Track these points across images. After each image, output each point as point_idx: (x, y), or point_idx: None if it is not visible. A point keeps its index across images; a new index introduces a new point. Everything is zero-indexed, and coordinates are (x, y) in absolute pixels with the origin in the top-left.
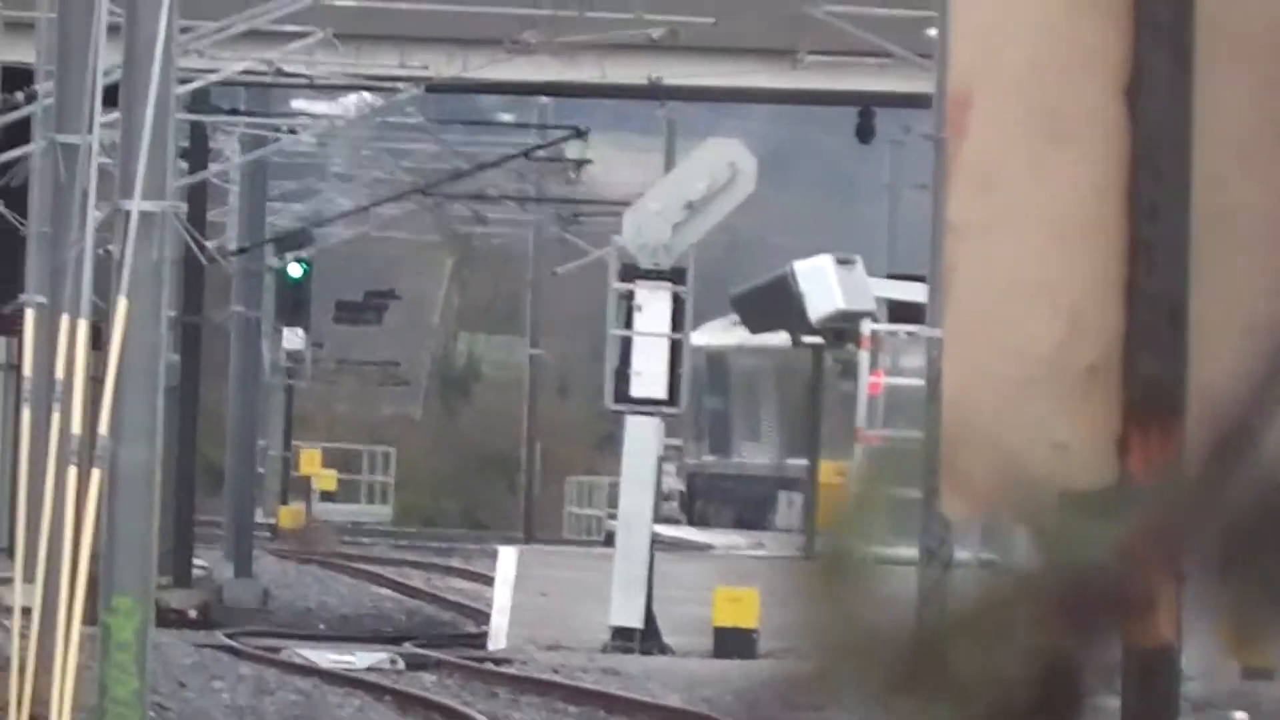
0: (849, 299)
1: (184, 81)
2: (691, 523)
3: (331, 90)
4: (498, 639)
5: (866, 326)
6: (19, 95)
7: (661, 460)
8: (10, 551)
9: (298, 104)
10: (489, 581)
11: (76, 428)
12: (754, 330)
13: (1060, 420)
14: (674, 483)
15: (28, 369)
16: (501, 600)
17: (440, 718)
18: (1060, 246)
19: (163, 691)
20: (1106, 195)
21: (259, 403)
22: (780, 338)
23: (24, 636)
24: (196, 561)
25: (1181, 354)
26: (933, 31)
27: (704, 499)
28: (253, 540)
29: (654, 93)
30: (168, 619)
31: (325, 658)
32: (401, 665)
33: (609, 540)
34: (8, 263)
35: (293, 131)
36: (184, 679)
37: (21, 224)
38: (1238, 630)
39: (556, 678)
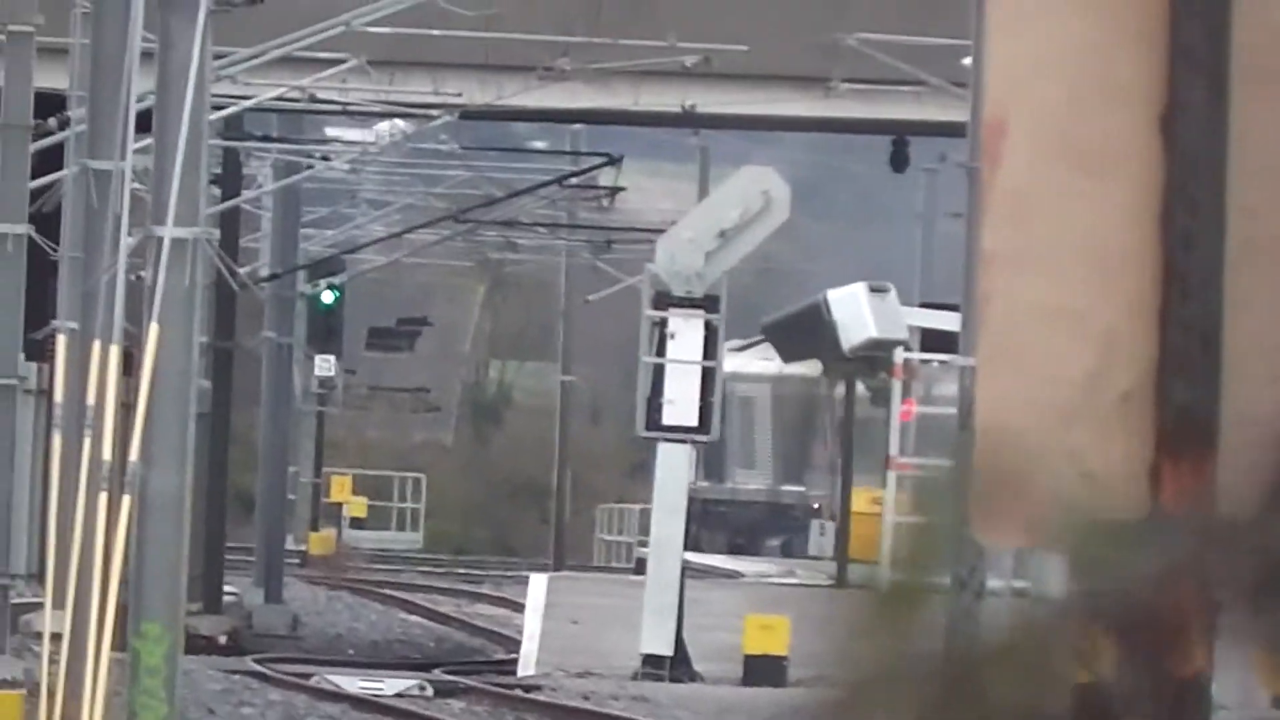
0: (882, 327)
1: (217, 108)
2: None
3: (365, 117)
4: (527, 666)
5: (899, 355)
6: (52, 121)
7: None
8: (41, 577)
9: (331, 130)
10: (519, 608)
11: (107, 453)
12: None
13: (1093, 449)
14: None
15: (59, 394)
16: (531, 627)
17: None
18: (1094, 275)
19: (192, 717)
20: (1140, 224)
21: (290, 429)
22: (774, 365)
23: (54, 662)
24: (226, 587)
25: (1215, 383)
26: (967, 60)
27: (697, 524)
28: (283, 566)
29: (687, 120)
30: (197, 645)
31: (355, 684)
32: (431, 692)
33: (639, 567)
34: (40, 288)
35: (326, 158)
36: (213, 705)
37: (53, 249)
38: (1270, 659)
39: (586, 705)
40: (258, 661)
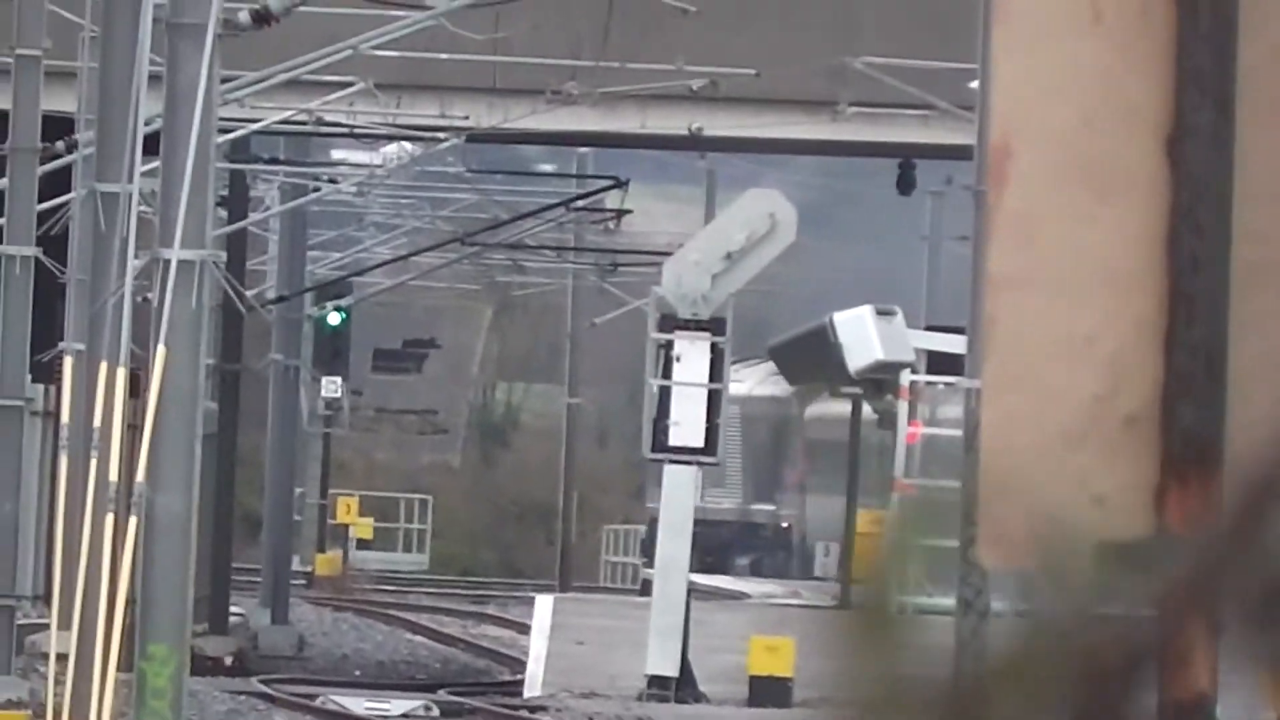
0: (888, 350)
1: (224, 130)
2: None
3: (371, 140)
4: (533, 687)
5: (905, 377)
6: (60, 144)
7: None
8: (47, 598)
9: (338, 153)
10: (525, 629)
11: (114, 475)
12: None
13: (1098, 471)
14: None
15: (66, 416)
16: (537, 648)
17: None
18: (1100, 298)
19: None
20: (1147, 247)
21: (297, 451)
22: (745, 385)
23: (60, 683)
24: (233, 608)
25: (1220, 406)
26: (974, 84)
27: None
28: (289, 587)
29: (694, 143)
30: (203, 666)
31: (361, 705)
32: (437, 713)
33: (645, 589)
34: (47, 310)
35: (333, 181)
36: None
37: (61, 272)
38: (1274, 680)
39: None
40: (264, 682)
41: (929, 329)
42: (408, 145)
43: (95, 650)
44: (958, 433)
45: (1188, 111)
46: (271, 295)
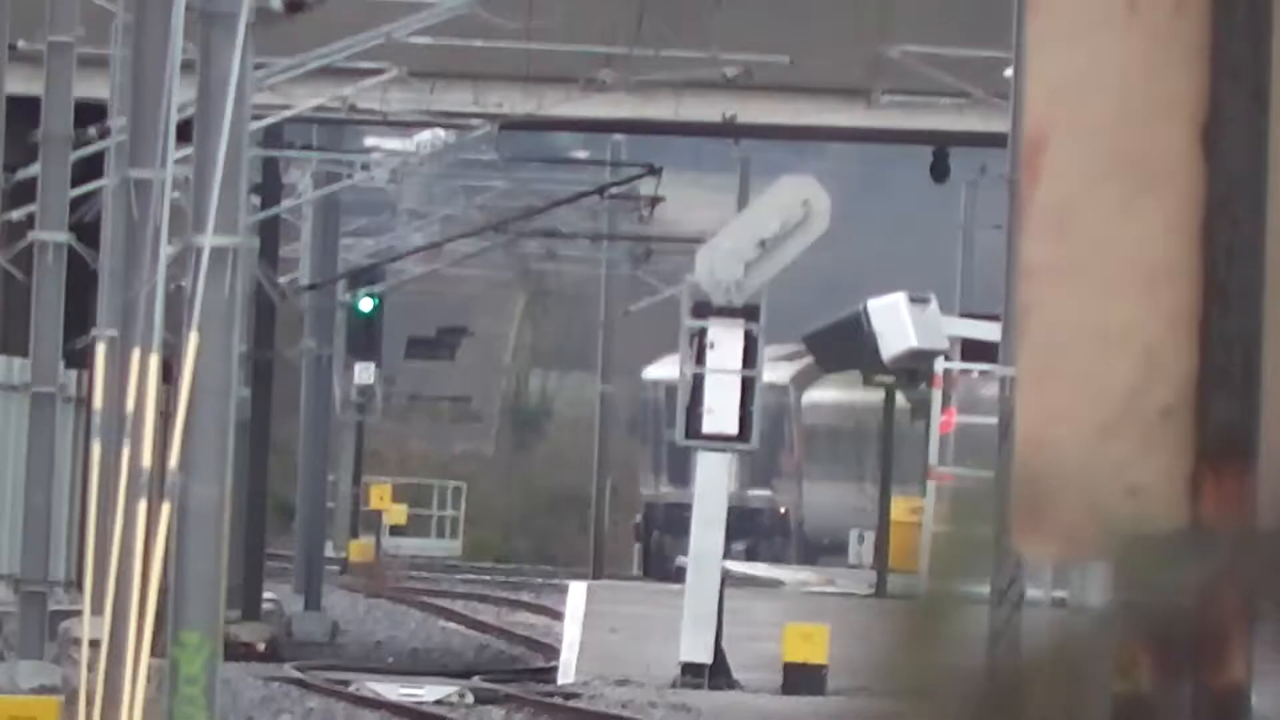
0: (922, 337)
1: (257, 117)
2: (646, 553)
3: (405, 127)
4: (567, 673)
5: (940, 365)
6: (92, 131)
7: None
8: (79, 583)
9: (371, 140)
10: (558, 616)
11: (146, 461)
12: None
13: (1134, 461)
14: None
15: (98, 402)
16: (571, 635)
17: None
18: (1135, 289)
19: None
20: (1182, 238)
21: (330, 438)
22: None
23: (92, 669)
24: (266, 595)
25: (1255, 398)
26: (1008, 72)
27: (660, 529)
28: (322, 574)
29: (728, 131)
30: (236, 652)
31: (394, 691)
32: (471, 699)
33: (678, 576)
34: (79, 297)
35: (365, 168)
36: (252, 713)
37: (93, 258)
38: None
39: (625, 713)
40: (297, 669)
41: (964, 316)
42: (441, 132)
43: (128, 636)
44: (992, 421)
45: (1223, 103)
46: (304, 282)
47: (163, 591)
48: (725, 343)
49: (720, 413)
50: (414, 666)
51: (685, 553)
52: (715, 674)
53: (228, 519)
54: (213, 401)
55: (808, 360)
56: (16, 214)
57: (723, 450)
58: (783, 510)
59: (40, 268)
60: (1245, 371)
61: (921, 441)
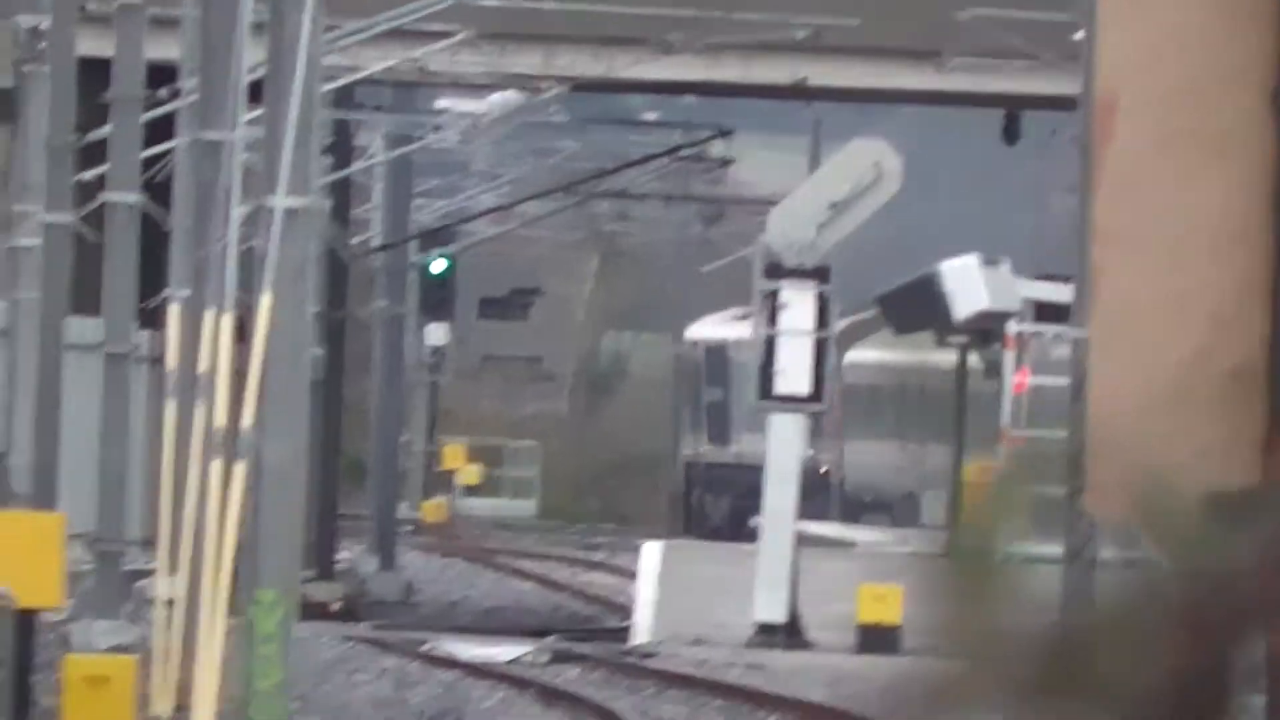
0: (995, 299)
1: (328, 79)
2: (687, 512)
3: (476, 89)
4: (642, 633)
5: (1012, 326)
6: (163, 92)
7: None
8: (155, 543)
9: (442, 102)
10: (632, 576)
11: (220, 421)
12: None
13: (1203, 424)
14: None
15: (171, 362)
16: (645, 595)
17: (584, 711)
18: (1204, 253)
19: (305, 684)
20: (1251, 203)
21: (403, 398)
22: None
23: (168, 628)
24: (340, 555)
25: None
26: (1079, 35)
27: (701, 489)
28: (396, 534)
29: (799, 93)
30: (311, 612)
31: (469, 651)
32: (545, 658)
33: (752, 536)
34: (152, 257)
35: (437, 129)
36: (326, 672)
37: (166, 219)
38: None
39: (700, 672)
40: (372, 629)
41: (1036, 278)
42: (513, 94)
43: (203, 595)
44: (1065, 382)
45: None
46: (376, 243)
47: (238, 550)
48: (797, 304)
49: (792, 374)
50: (488, 626)
51: (724, 512)
52: (790, 634)
53: (302, 478)
54: (286, 361)
55: (849, 320)
56: (88, 175)
57: (795, 411)
58: (823, 469)
59: (112, 228)
60: None
61: (991, 402)
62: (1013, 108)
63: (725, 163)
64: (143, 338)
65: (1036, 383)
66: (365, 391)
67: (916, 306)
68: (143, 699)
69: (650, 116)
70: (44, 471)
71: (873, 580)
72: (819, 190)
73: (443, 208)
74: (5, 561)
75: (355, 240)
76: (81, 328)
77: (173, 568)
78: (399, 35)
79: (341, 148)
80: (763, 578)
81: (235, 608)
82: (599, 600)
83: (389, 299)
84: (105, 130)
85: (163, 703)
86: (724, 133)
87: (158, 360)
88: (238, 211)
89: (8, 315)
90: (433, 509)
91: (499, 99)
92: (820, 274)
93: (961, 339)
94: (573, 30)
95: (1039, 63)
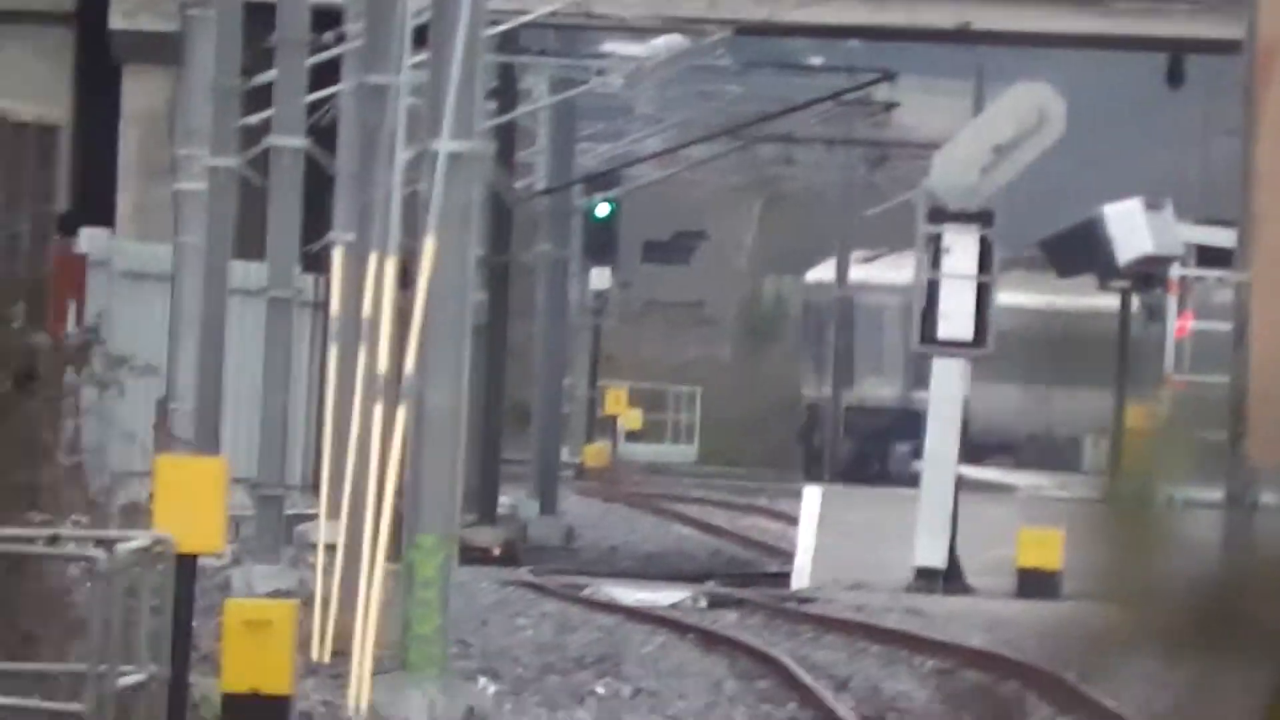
0: (1158, 243)
1: (493, 23)
2: (808, 456)
3: (641, 32)
4: (801, 578)
5: (1175, 270)
6: (328, 36)
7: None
8: (315, 488)
9: (607, 46)
10: (792, 521)
11: (383, 366)
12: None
13: None
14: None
15: (335, 306)
16: (805, 540)
17: (743, 656)
18: None
19: (465, 628)
20: None
21: (566, 342)
22: (904, 274)
23: (328, 572)
24: (501, 499)
25: None
26: None
27: (823, 431)
28: (558, 478)
29: (962, 37)
30: (472, 556)
31: (629, 595)
32: (705, 603)
33: (913, 481)
34: (316, 202)
35: (601, 73)
36: (487, 616)
37: (330, 163)
38: None
39: (859, 617)
40: (532, 572)
41: (1199, 223)
42: (677, 38)
43: (364, 540)
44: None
45: None
46: (540, 187)
47: (399, 495)
48: (960, 248)
49: (955, 318)
50: (648, 571)
51: (847, 453)
52: (949, 578)
53: (464, 422)
54: (449, 305)
55: None
56: (253, 119)
57: (957, 355)
58: None
59: (277, 173)
60: None
61: (1154, 347)
62: (1177, 51)
63: (889, 107)
64: (306, 282)
65: (1199, 327)
66: (528, 336)
67: (1079, 251)
68: (302, 643)
69: (814, 60)
70: (207, 416)
71: (1033, 525)
72: (982, 134)
73: (607, 152)
74: (167, 507)
75: (519, 184)
76: (245, 272)
77: (333, 513)
78: None
79: (506, 92)
80: (923, 522)
81: (395, 553)
82: (758, 545)
83: (553, 243)
84: (270, 74)
85: (322, 647)
86: (888, 76)
87: (321, 305)
88: (402, 156)
89: (172, 259)
90: (594, 454)
91: (663, 43)
92: (983, 218)
93: (1124, 283)
94: None
95: (1203, 6)
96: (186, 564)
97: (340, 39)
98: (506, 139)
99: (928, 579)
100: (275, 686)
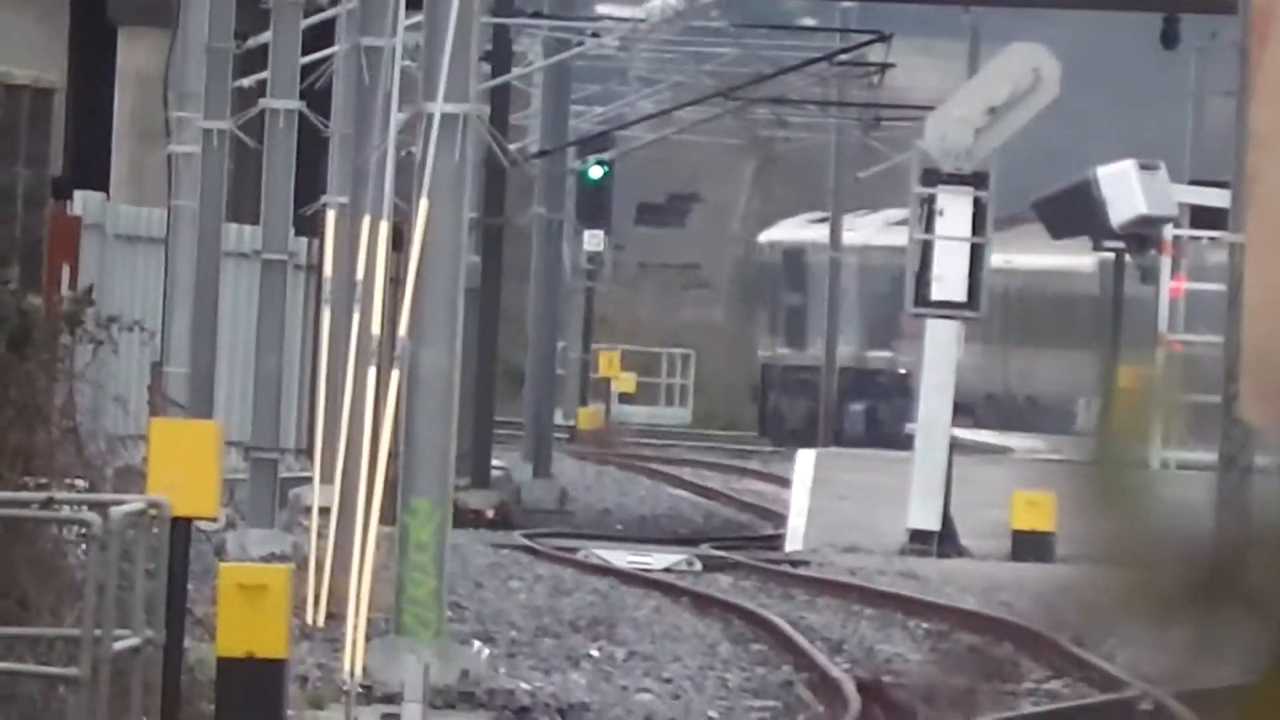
0: (1151, 204)
1: None
2: (763, 415)
3: None
4: (795, 541)
5: (1169, 231)
6: None
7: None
8: (310, 451)
9: (602, 7)
10: (786, 484)
11: (376, 328)
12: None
13: None
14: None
15: (328, 269)
16: (799, 503)
17: (737, 619)
18: None
19: (460, 591)
20: None
21: (559, 305)
22: (861, 235)
23: (322, 536)
24: (495, 462)
25: None
26: None
27: (777, 391)
28: (552, 442)
29: None
30: (466, 520)
31: (622, 558)
32: (699, 566)
33: (907, 444)
34: (310, 164)
35: (596, 35)
36: (481, 579)
37: (324, 125)
38: None
39: (853, 580)
40: (526, 536)
41: (1193, 184)
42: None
43: (358, 504)
44: (1222, 288)
45: None
46: (534, 150)
47: (393, 458)
48: (954, 210)
49: (949, 280)
50: (642, 534)
51: (800, 415)
52: (943, 541)
53: (457, 386)
54: (443, 268)
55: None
56: (247, 81)
57: (951, 317)
58: (903, 371)
59: (271, 135)
60: None
61: (1146, 308)
62: (1171, 11)
63: (883, 68)
64: (300, 245)
65: (1193, 288)
66: (522, 299)
67: (1073, 212)
68: (297, 607)
69: (808, 22)
70: (201, 379)
71: (1026, 487)
72: (977, 95)
73: (601, 114)
74: (161, 470)
75: (514, 146)
76: (239, 235)
77: (328, 476)
78: None
79: (500, 54)
80: (917, 485)
81: (390, 516)
82: (752, 508)
83: (546, 206)
84: (265, 36)
85: (317, 611)
86: (882, 37)
87: (315, 267)
88: (396, 118)
89: (166, 223)
90: (588, 417)
91: (658, 4)
92: (978, 180)
93: (1118, 244)
94: None
95: None
96: (181, 528)
97: (335, 1)
98: (501, 101)
99: (922, 541)
100: (270, 650)
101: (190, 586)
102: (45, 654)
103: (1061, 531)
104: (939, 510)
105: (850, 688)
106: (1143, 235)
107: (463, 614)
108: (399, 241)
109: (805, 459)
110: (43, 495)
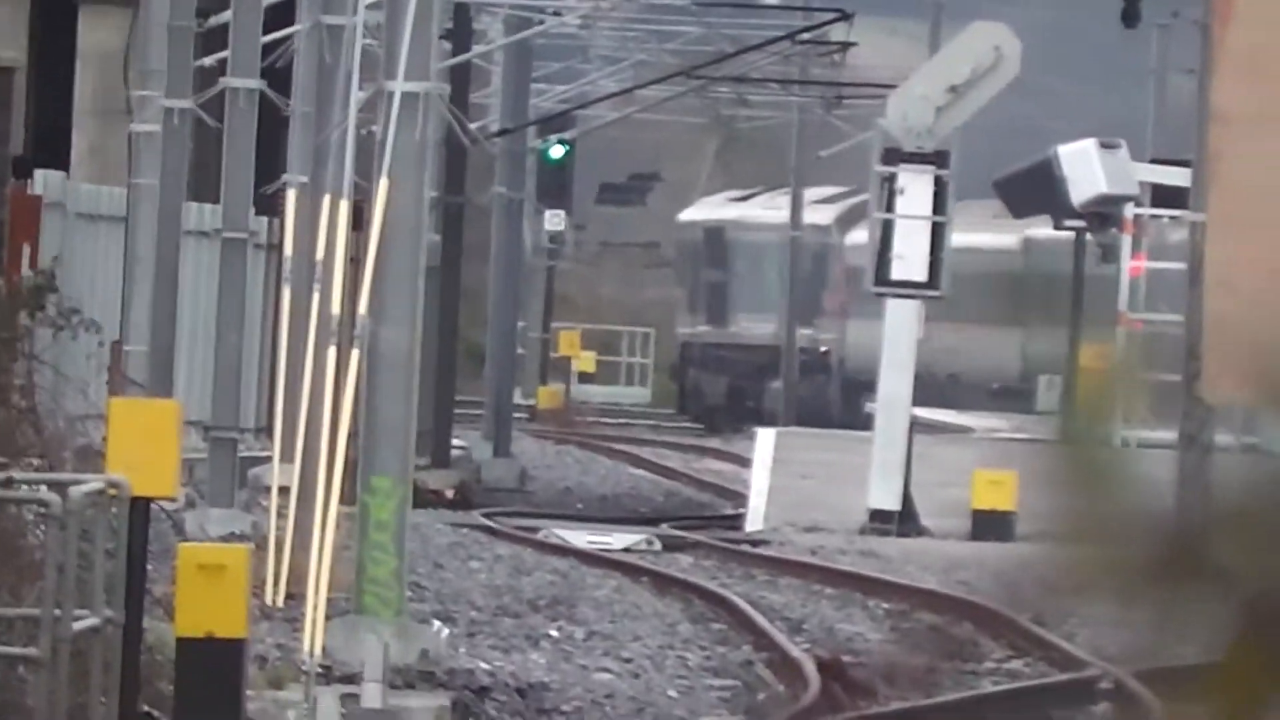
0: (1112, 183)
1: None
2: (683, 392)
3: None
4: (755, 521)
5: (1129, 210)
6: None
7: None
8: (269, 431)
9: None
10: (746, 463)
11: (336, 308)
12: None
13: None
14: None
15: (288, 248)
16: (759, 482)
17: (697, 598)
18: None
19: (420, 571)
20: None
21: (520, 284)
22: (783, 213)
23: (282, 515)
24: (455, 442)
25: None
26: None
27: (696, 368)
28: (512, 421)
29: None
30: (426, 499)
31: (583, 538)
32: (659, 546)
33: (868, 423)
34: (270, 143)
35: (557, 14)
36: (441, 559)
37: (285, 104)
38: None
39: (814, 559)
40: (486, 515)
41: (1154, 162)
42: None
43: (317, 483)
44: (1183, 267)
45: None
46: (495, 129)
47: (352, 437)
48: (915, 189)
49: (909, 259)
50: (602, 513)
51: (723, 389)
52: (903, 520)
53: (418, 364)
54: (403, 247)
55: (852, 202)
56: (208, 60)
57: (911, 297)
58: (824, 349)
59: (231, 114)
60: None
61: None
62: None
63: (845, 46)
64: (261, 224)
65: (1154, 267)
66: (483, 278)
67: (1033, 191)
68: (256, 587)
69: (771, 0)
70: (160, 358)
71: (987, 466)
72: (938, 74)
73: (563, 93)
74: (120, 449)
75: (474, 125)
76: (200, 214)
77: (287, 455)
78: None
79: (461, 32)
80: (877, 464)
81: (350, 496)
82: (713, 488)
83: (507, 185)
84: (226, 15)
85: (276, 591)
86: (844, 16)
87: (275, 246)
88: (356, 96)
89: (127, 200)
90: (548, 396)
91: None
92: (939, 158)
93: (1079, 223)
94: None
95: None
96: (140, 507)
97: None
98: (461, 80)
99: (882, 520)
100: (230, 630)
101: (150, 566)
102: (5, 634)
103: (1023, 510)
104: (899, 490)
105: (810, 667)
106: (1104, 214)
107: (423, 594)
108: (359, 220)
109: (765, 438)
110: (1, 475)
